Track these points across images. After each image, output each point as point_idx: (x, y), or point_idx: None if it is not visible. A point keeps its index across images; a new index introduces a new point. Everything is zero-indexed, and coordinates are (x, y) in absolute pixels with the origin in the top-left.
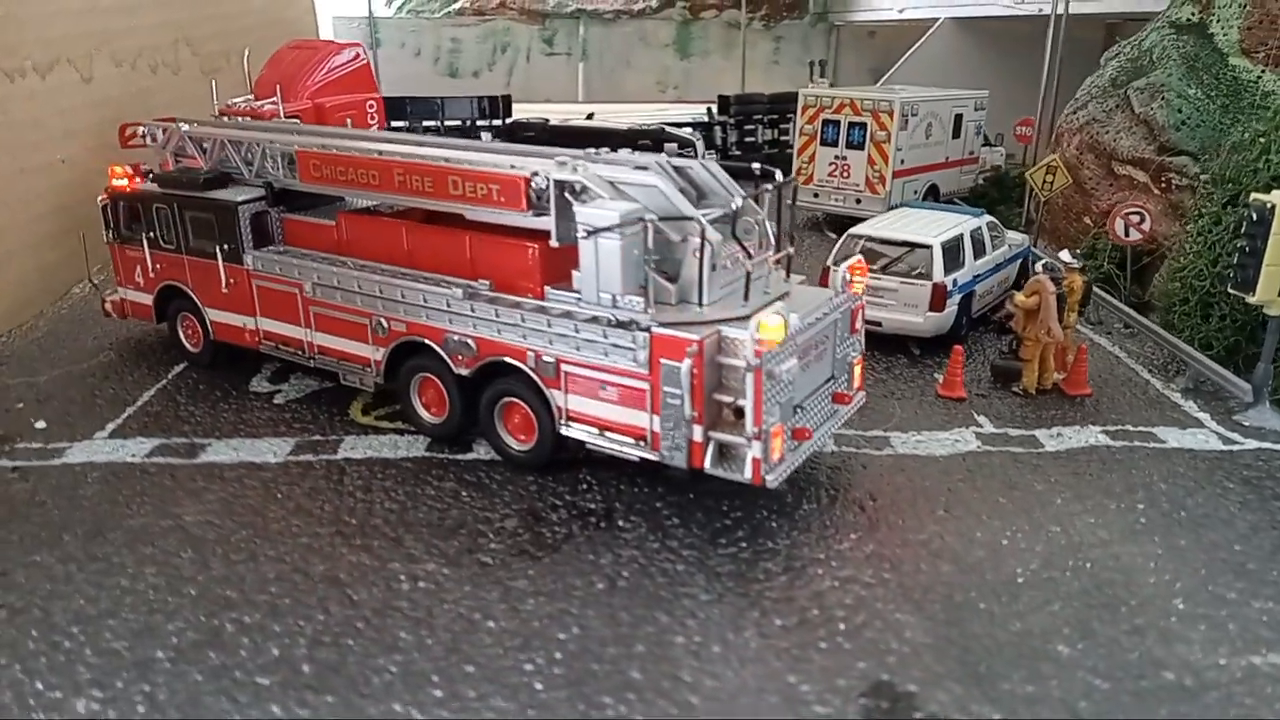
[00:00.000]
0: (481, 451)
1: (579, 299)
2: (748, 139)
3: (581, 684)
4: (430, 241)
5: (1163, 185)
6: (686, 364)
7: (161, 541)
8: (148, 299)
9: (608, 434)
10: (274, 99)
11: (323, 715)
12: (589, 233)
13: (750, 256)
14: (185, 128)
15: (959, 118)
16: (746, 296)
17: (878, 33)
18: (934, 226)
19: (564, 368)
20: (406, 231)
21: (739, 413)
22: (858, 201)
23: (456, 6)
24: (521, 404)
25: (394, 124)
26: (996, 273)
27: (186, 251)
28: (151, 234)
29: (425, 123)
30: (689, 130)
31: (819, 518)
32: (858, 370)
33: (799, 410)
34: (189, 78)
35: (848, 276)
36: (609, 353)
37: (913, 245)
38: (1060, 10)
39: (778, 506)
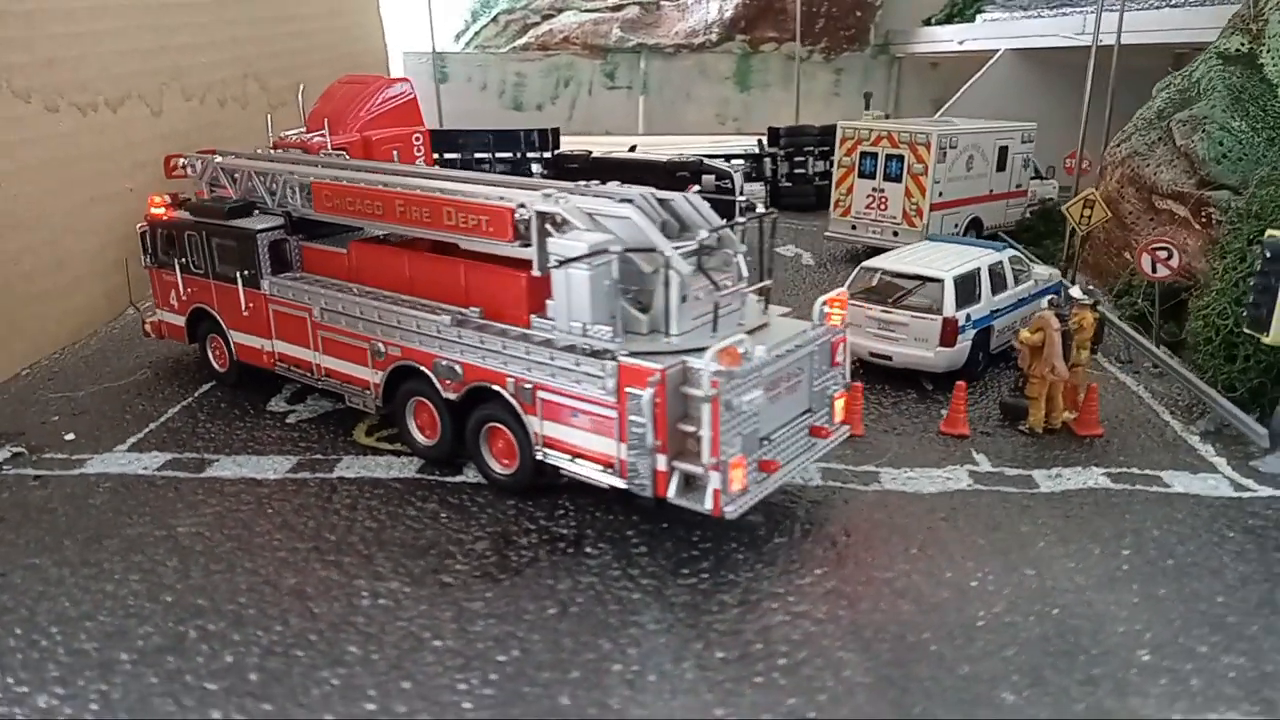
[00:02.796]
0: (469, 475)
1: (554, 327)
2: (797, 170)
3: (509, 706)
4: (429, 270)
5: (1203, 220)
6: (648, 393)
7: (152, 550)
8: (180, 320)
9: (579, 460)
10: (323, 131)
11: None
12: (559, 263)
13: (718, 288)
14: (218, 159)
15: (1004, 150)
16: (715, 328)
17: (940, 64)
18: (950, 260)
19: (540, 394)
20: (408, 260)
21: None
22: (895, 234)
23: (521, 42)
24: (504, 429)
25: (447, 156)
26: (1020, 308)
27: (213, 276)
28: (183, 259)
29: (477, 155)
30: (729, 162)
31: (787, 551)
32: (839, 404)
33: (766, 442)
34: (256, 111)
35: (825, 309)
36: (580, 381)
37: (924, 279)
38: (1111, 41)
39: (748, 539)
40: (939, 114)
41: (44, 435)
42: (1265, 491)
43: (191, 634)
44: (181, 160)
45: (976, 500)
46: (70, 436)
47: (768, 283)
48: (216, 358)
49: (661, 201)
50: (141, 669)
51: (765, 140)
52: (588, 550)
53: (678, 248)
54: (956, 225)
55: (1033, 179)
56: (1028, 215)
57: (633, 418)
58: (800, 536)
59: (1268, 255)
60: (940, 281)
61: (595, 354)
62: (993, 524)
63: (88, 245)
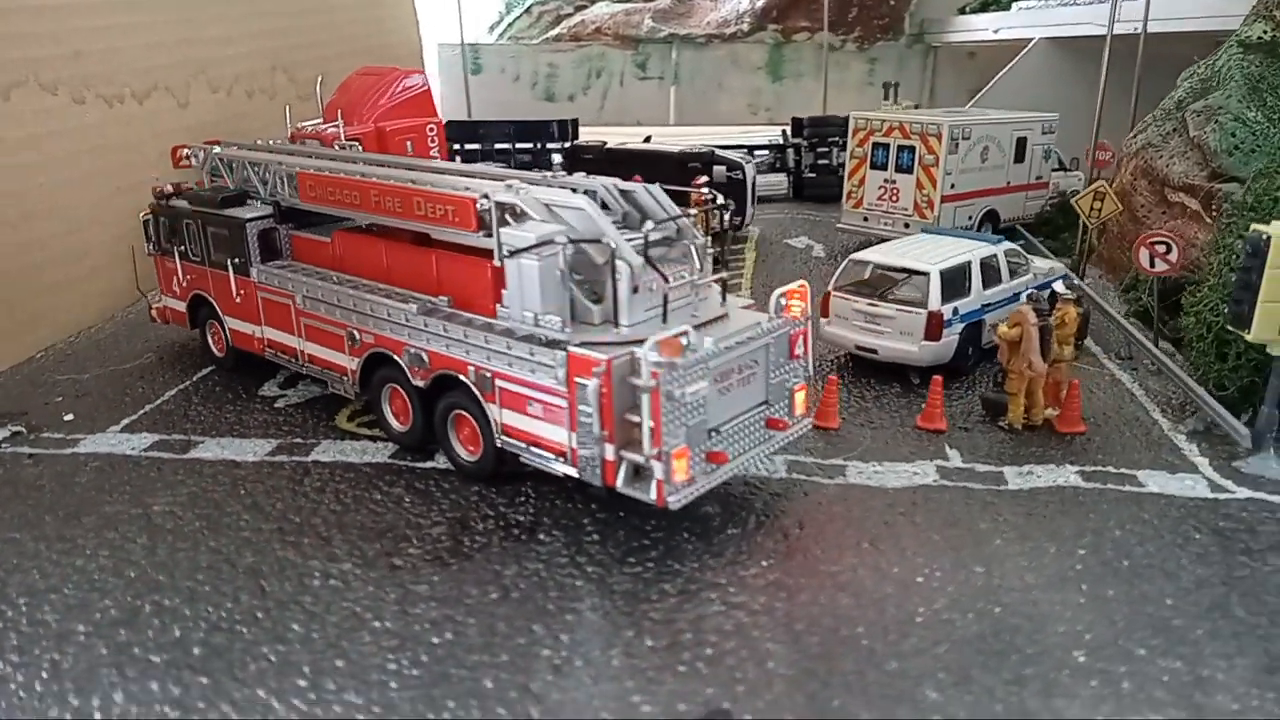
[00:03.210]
0: (439, 461)
1: (510, 317)
2: (821, 161)
3: (434, 686)
4: (404, 259)
5: (1214, 214)
6: (593, 383)
7: (125, 527)
8: (182, 306)
9: (534, 449)
10: (337, 123)
11: (192, 694)
12: (510, 253)
13: (667, 280)
14: (217, 150)
15: (1022, 141)
16: (665, 319)
17: (978, 53)
18: (940, 253)
19: (498, 383)
20: (385, 249)
21: None
22: (905, 226)
23: (554, 33)
24: (469, 417)
25: (468, 146)
26: (1016, 302)
27: (209, 264)
28: (182, 247)
29: (498, 146)
30: (750, 153)
31: (737, 542)
32: (800, 397)
33: (715, 434)
34: (285, 101)
35: (783, 301)
36: (535, 370)
37: (911, 272)
38: (1152, 29)
39: (700, 529)
40: (970, 104)
41: (46, 415)
42: (1243, 493)
43: (147, 609)
44: (185, 150)
45: (939, 496)
46: (69, 417)
47: (724, 275)
48: (215, 343)
49: (624, 193)
50: (94, 640)
51: (789, 130)
52: (541, 537)
53: (631, 240)
54: (970, 218)
55: (1055, 170)
56: (1048, 208)
57: (581, 407)
58: (753, 528)
59: (1249, 250)
60: (927, 275)
61: (548, 344)
62: (951, 520)
63: (112, 234)
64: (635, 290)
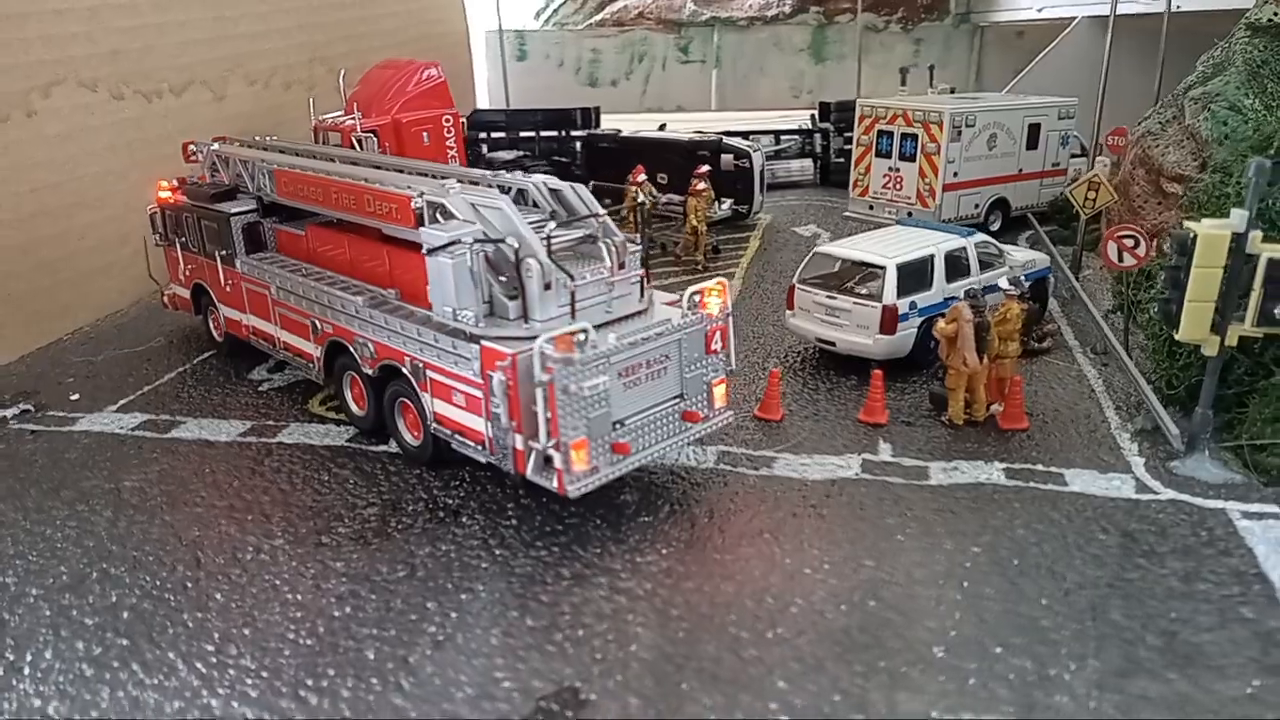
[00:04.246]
0: (392, 445)
1: (436, 311)
2: (848, 146)
3: (321, 656)
4: (362, 252)
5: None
6: (499, 375)
7: (96, 500)
8: (187, 294)
9: (458, 437)
10: (355, 115)
11: (110, 654)
12: (428, 251)
13: (571, 278)
14: (214, 147)
15: (1035, 127)
16: (573, 315)
17: (1026, 33)
18: (902, 246)
19: (429, 373)
20: (348, 243)
21: None
22: (909, 214)
23: (598, 18)
24: (411, 405)
25: (493, 135)
26: (986, 295)
27: (204, 255)
28: (183, 239)
29: (523, 134)
30: (778, 139)
31: (644, 530)
32: (719, 390)
33: (620, 426)
34: (322, 93)
35: (697, 298)
36: (457, 362)
37: (868, 266)
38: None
39: (614, 517)
40: (1007, 89)
41: (56, 394)
42: (1168, 495)
43: (94, 575)
44: (192, 146)
45: (855, 489)
46: (75, 396)
47: (639, 272)
48: (215, 328)
49: (553, 192)
50: (41, 603)
51: (816, 115)
52: (463, 520)
53: (546, 239)
54: (977, 206)
55: (1074, 156)
56: (1062, 195)
57: (493, 398)
58: (664, 516)
59: (1176, 249)
60: (883, 269)
61: (468, 338)
62: (858, 514)
63: (146, 223)
64: (548, 287)
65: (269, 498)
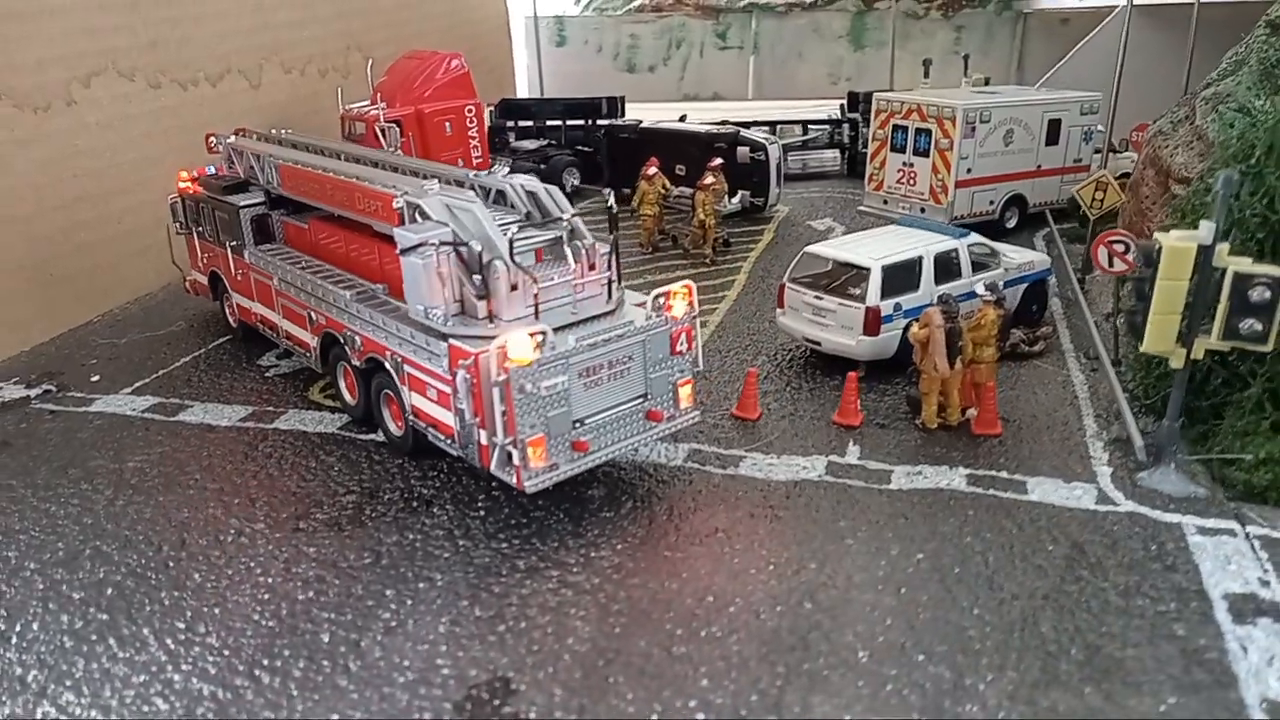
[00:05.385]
0: (380, 434)
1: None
2: None
3: (280, 637)
4: (358, 247)
5: None
6: (462, 373)
7: (99, 480)
8: (205, 281)
9: (432, 430)
10: (380, 105)
11: (90, 628)
12: (401, 251)
13: (535, 280)
14: (230, 139)
15: (1055, 123)
16: (537, 316)
17: (1072, 20)
18: (890, 247)
19: (406, 368)
20: (345, 237)
21: None
22: (922, 210)
23: (637, 4)
24: (394, 396)
25: (521, 124)
26: (976, 297)
27: (218, 244)
28: (200, 228)
29: (549, 122)
30: (805, 129)
31: (603, 525)
32: (685, 390)
33: (580, 424)
34: (358, 79)
35: (662, 300)
36: (430, 359)
37: (854, 267)
38: None
39: (577, 511)
40: (1041, 81)
41: (78, 375)
42: (1127, 507)
43: (87, 551)
44: (214, 138)
45: (815, 491)
46: (96, 378)
47: (607, 274)
48: (230, 315)
49: (530, 194)
50: (37, 577)
51: (845, 105)
52: (434, 510)
53: (513, 240)
54: (992, 203)
55: (1098, 152)
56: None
57: (459, 394)
58: (626, 512)
59: (1142, 261)
60: (868, 270)
61: (438, 335)
62: (813, 517)
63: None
64: (514, 288)
65: (257, 482)
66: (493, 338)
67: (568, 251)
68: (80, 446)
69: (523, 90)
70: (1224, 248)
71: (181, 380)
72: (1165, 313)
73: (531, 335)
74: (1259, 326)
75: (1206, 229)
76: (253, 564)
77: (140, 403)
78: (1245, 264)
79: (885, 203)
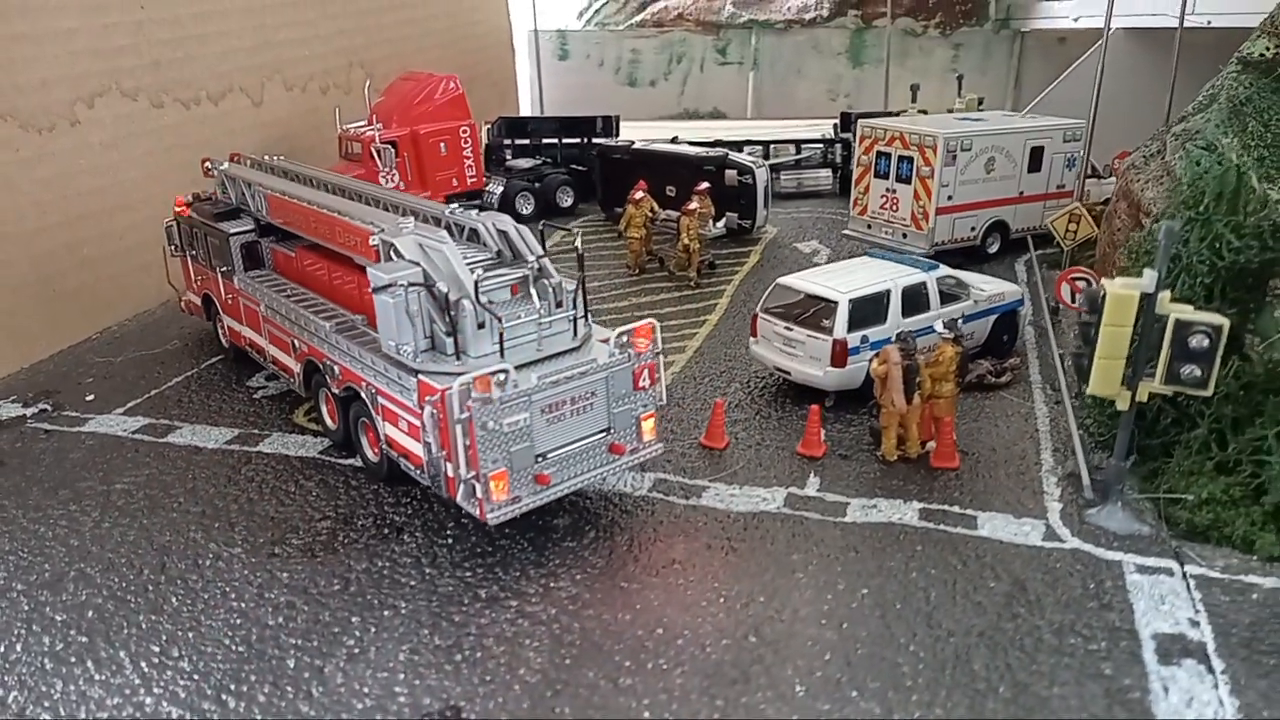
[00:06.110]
0: (359, 459)
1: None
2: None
3: (247, 662)
4: (340, 277)
5: None
6: (428, 409)
7: (86, 501)
8: (198, 302)
9: (404, 460)
10: (376, 126)
11: (70, 650)
12: (373, 290)
13: (499, 320)
14: (223, 166)
15: (1037, 150)
16: (502, 354)
17: (1068, 40)
18: (858, 280)
19: (379, 399)
20: (328, 267)
21: None
22: (904, 236)
23: (638, 18)
24: (371, 424)
25: (518, 141)
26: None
27: (210, 268)
28: (194, 252)
29: (545, 140)
30: (797, 149)
31: (564, 555)
32: (648, 424)
33: (543, 459)
34: (360, 97)
35: (625, 339)
36: (401, 392)
37: (823, 300)
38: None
39: (541, 540)
40: (1030, 106)
41: (74, 394)
42: (1072, 544)
43: (72, 574)
44: (209, 163)
45: (772, 524)
46: (90, 398)
47: (573, 312)
48: (222, 335)
49: (501, 233)
50: (22, 599)
51: (838, 125)
52: (404, 538)
53: (479, 280)
54: (973, 229)
55: (1087, 178)
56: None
57: (424, 428)
58: (588, 542)
59: (1087, 306)
60: (835, 303)
61: (411, 370)
62: (768, 549)
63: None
64: (481, 326)
65: (237, 506)
66: (460, 374)
67: (533, 291)
68: (71, 467)
69: (525, 105)
70: (1165, 295)
71: (173, 400)
72: (1110, 357)
73: (494, 374)
74: (1199, 372)
75: (1149, 277)
76: (228, 589)
77: (132, 423)
78: (1187, 311)
79: (869, 227)
